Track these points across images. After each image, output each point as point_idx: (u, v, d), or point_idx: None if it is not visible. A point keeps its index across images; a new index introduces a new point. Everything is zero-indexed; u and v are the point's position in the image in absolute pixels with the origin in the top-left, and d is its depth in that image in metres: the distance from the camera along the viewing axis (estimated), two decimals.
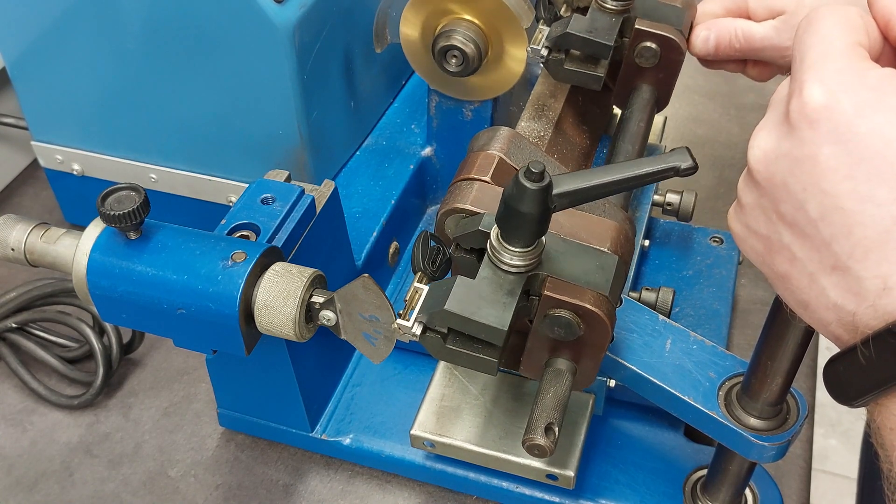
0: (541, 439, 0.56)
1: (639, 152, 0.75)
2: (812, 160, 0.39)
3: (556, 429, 0.57)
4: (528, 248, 0.55)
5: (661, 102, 0.81)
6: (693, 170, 0.51)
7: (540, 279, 0.57)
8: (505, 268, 0.56)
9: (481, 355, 0.57)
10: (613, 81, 0.90)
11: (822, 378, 0.43)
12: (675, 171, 0.51)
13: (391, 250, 0.90)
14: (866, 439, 0.75)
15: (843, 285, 0.39)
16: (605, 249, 0.60)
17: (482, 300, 0.55)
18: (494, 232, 0.56)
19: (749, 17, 0.79)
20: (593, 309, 0.56)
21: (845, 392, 0.41)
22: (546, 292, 0.56)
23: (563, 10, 0.80)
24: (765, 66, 0.81)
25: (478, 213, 0.61)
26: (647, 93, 0.79)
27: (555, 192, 0.51)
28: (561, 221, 0.60)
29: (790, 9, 0.75)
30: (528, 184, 0.50)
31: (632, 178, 0.52)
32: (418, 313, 0.58)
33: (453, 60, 0.81)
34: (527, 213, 0.51)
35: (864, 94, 0.38)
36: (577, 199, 0.52)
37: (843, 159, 0.38)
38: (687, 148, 0.51)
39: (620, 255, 0.60)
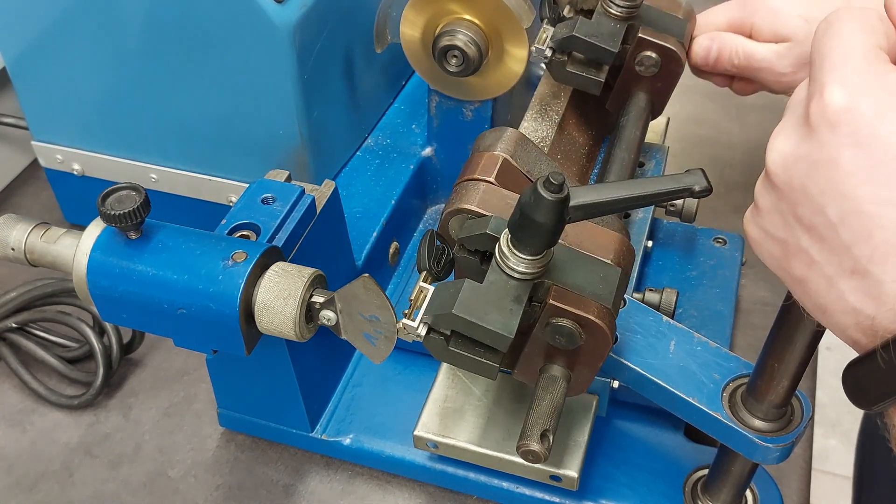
0: (535, 445, 0.57)
1: (634, 160, 0.75)
2: (832, 163, 0.39)
3: (551, 435, 0.57)
4: (538, 257, 0.55)
5: (655, 111, 0.81)
6: (707, 191, 0.51)
7: (545, 287, 0.57)
8: (513, 274, 0.56)
9: (483, 359, 0.58)
10: (609, 75, 0.90)
11: (841, 381, 0.42)
12: (690, 193, 0.51)
13: (391, 250, 0.90)
14: (861, 440, 0.75)
15: (863, 289, 0.39)
16: (608, 261, 0.60)
17: (489, 305, 0.55)
18: (504, 237, 0.55)
19: (751, 35, 0.79)
20: (597, 320, 0.57)
21: (864, 397, 0.41)
22: (551, 301, 0.57)
23: (566, 10, 0.80)
24: (749, 83, 0.82)
25: (484, 214, 0.61)
26: (643, 101, 0.79)
27: (570, 204, 0.51)
28: (566, 230, 0.60)
29: (797, 38, 0.75)
30: (546, 194, 0.50)
31: (647, 196, 0.52)
32: (423, 314, 0.58)
33: (453, 60, 0.81)
34: (542, 223, 0.51)
35: (885, 97, 0.38)
36: (591, 212, 0.52)
37: (863, 163, 0.38)
38: (702, 170, 0.52)
39: (622, 266, 0.61)
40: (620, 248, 0.62)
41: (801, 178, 0.40)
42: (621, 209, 0.53)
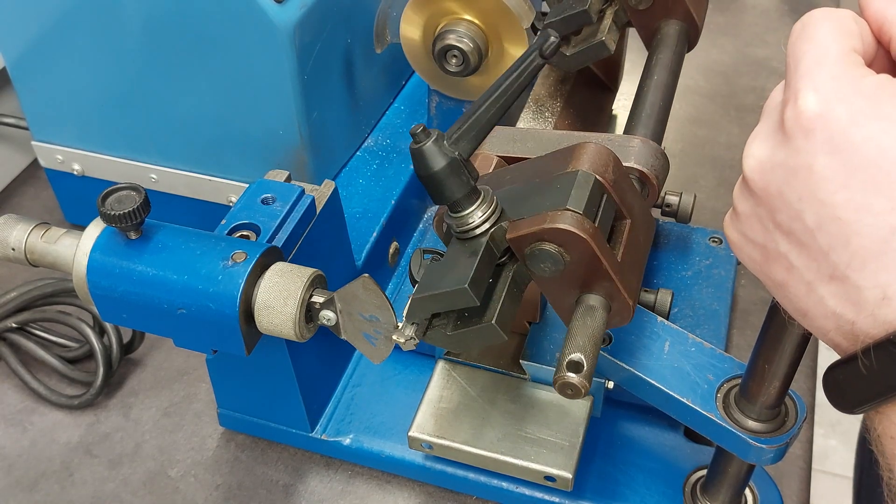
0: (571, 376, 0.52)
1: (667, 84, 0.73)
2: (808, 170, 0.39)
3: (586, 361, 0.52)
4: (473, 206, 0.54)
5: (691, 35, 0.79)
6: (556, 45, 0.50)
7: (503, 230, 0.55)
8: (465, 235, 0.55)
9: (478, 325, 0.56)
10: (605, 74, 0.89)
11: (821, 384, 0.43)
12: (542, 54, 0.50)
13: (391, 250, 0.91)
14: (862, 441, 0.75)
15: (842, 294, 0.39)
16: (570, 170, 0.56)
17: (446, 272, 0.55)
18: (444, 209, 0.56)
19: None
20: (556, 226, 0.52)
21: (845, 400, 0.41)
22: (507, 236, 0.55)
23: None
24: None
25: None
26: (669, 27, 0.77)
27: (448, 141, 0.51)
28: (526, 169, 0.59)
29: None
30: (418, 145, 0.50)
31: (508, 85, 0.51)
32: (406, 315, 0.58)
33: (453, 60, 0.81)
34: (437, 172, 0.51)
35: (859, 102, 0.38)
36: (472, 134, 0.52)
37: (839, 169, 0.38)
38: (549, 29, 0.51)
39: (596, 170, 0.56)
40: (593, 155, 0.57)
41: (778, 185, 0.41)
42: (498, 115, 0.52)
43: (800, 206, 0.39)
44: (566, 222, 0.52)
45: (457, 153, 0.52)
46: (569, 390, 0.53)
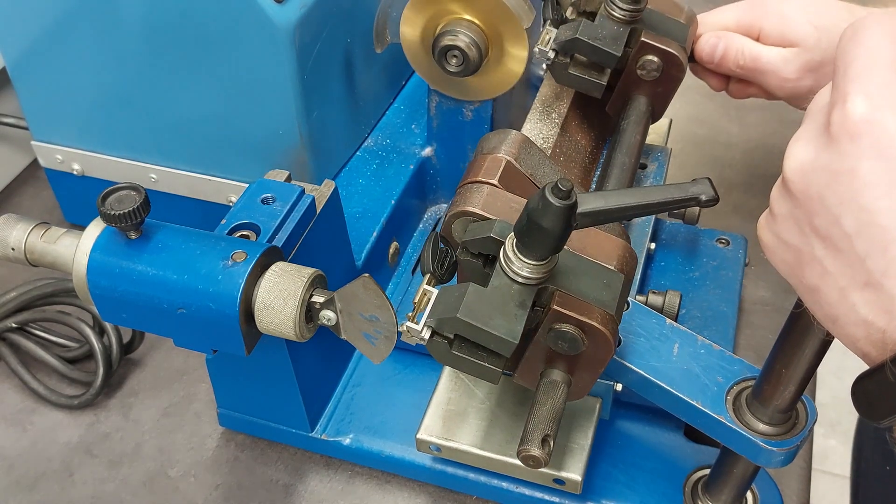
0: (536, 450, 0.57)
1: (634, 164, 0.76)
2: (851, 174, 0.38)
3: (552, 440, 0.57)
4: (543, 262, 0.55)
5: (655, 115, 0.81)
6: (714, 201, 0.51)
7: (549, 292, 0.57)
8: (517, 278, 0.56)
9: (486, 364, 0.58)
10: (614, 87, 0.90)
11: (850, 394, 0.42)
12: (697, 202, 0.51)
13: (391, 250, 0.90)
14: (858, 440, 0.75)
15: (875, 302, 0.39)
16: (612, 267, 0.60)
17: (494, 310, 0.55)
18: (510, 241, 0.56)
19: (759, 38, 0.79)
20: (600, 327, 0.57)
21: (874, 411, 0.41)
22: (555, 307, 0.57)
23: (568, 12, 0.80)
24: (747, 86, 0.82)
25: (487, 217, 0.61)
26: (644, 105, 0.79)
27: (578, 210, 0.51)
28: (570, 236, 0.61)
29: (806, 45, 0.75)
30: (554, 200, 0.50)
31: (654, 204, 0.52)
32: (427, 317, 0.58)
33: (453, 60, 0.80)
34: (549, 229, 0.51)
35: None
36: (598, 219, 0.53)
37: (883, 175, 0.37)
38: (709, 179, 0.52)
39: (625, 272, 0.61)
40: (624, 254, 0.62)
41: (818, 188, 0.40)
42: (628, 217, 0.53)
43: (839, 211, 0.39)
44: (608, 328, 0.57)
45: (575, 224, 0.52)
46: (531, 462, 0.58)
